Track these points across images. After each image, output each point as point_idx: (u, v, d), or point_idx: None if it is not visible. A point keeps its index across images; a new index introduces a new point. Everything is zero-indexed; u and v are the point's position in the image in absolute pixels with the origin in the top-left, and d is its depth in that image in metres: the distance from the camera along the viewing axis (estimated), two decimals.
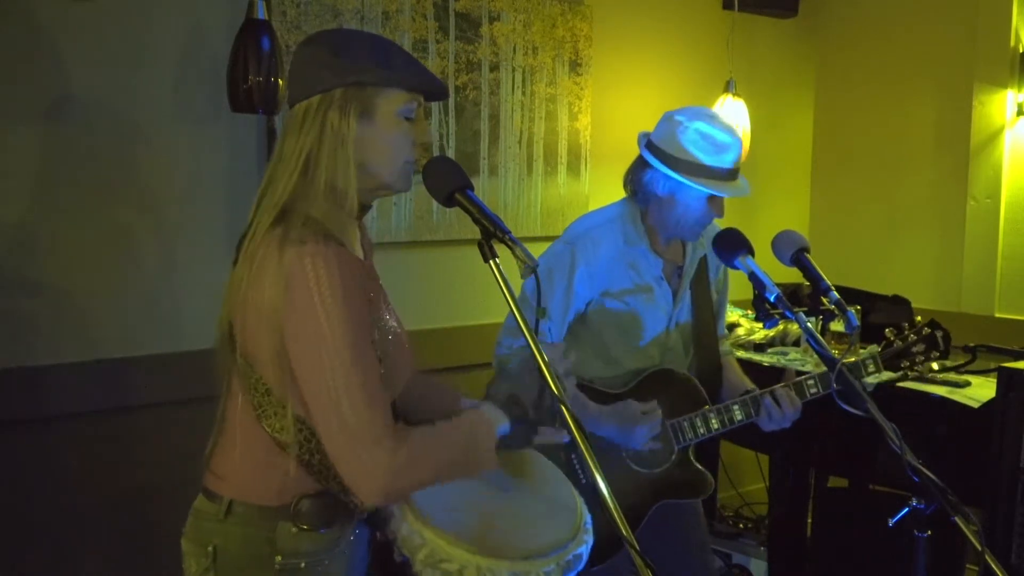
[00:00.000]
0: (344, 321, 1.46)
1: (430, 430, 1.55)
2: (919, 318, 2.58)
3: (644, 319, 2.45)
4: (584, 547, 1.62)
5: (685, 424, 2.41)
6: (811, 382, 2.42)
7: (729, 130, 2.35)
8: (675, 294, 2.48)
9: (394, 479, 1.46)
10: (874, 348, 3.20)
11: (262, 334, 1.50)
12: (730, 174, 2.35)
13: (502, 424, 1.59)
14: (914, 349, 2.49)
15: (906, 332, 2.52)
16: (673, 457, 2.42)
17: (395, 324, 1.66)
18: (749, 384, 2.51)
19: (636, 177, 2.42)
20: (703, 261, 2.53)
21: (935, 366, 2.55)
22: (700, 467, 2.47)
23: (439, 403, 1.78)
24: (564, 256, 2.40)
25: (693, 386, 2.46)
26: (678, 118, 2.35)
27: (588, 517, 1.68)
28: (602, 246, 2.40)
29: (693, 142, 2.31)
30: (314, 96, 1.55)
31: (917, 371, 2.56)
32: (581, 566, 1.60)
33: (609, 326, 2.44)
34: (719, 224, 2.42)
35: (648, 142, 2.40)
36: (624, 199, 2.50)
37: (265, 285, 1.48)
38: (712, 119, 2.35)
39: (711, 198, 2.35)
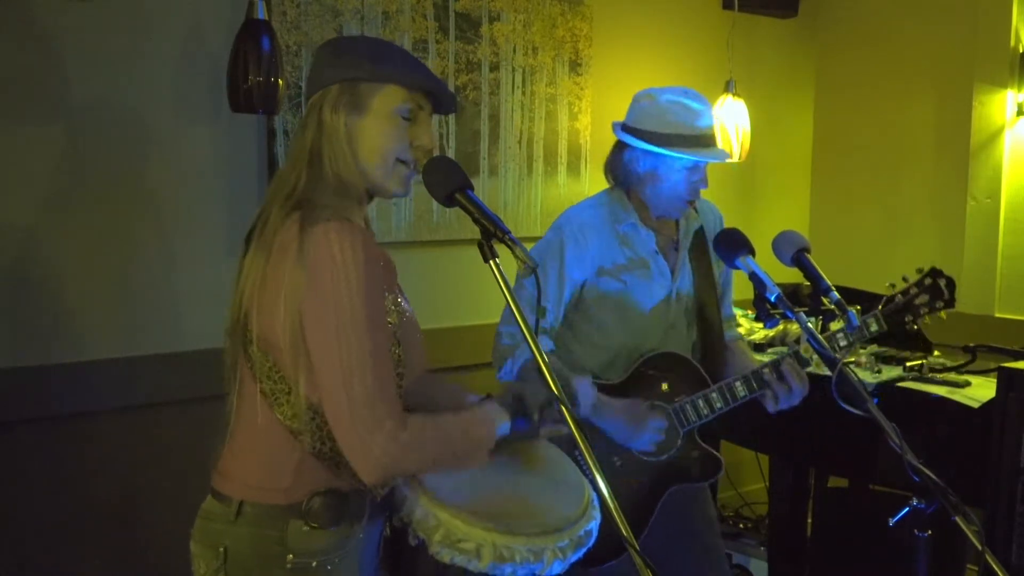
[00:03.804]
0: (364, 296, 1.49)
1: (432, 418, 1.57)
2: (921, 267, 2.47)
3: (642, 295, 2.44)
4: (593, 523, 1.63)
5: (687, 406, 2.39)
6: (806, 346, 2.35)
7: (698, 97, 2.37)
8: (673, 269, 2.47)
9: (392, 460, 1.49)
10: (873, 348, 3.21)
11: (280, 315, 1.51)
12: (707, 139, 2.36)
13: (503, 423, 1.61)
14: (917, 301, 2.40)
15: (908, 285, 2.42)
16: (680, 442, 2.40)
17: (409, 309, 1.68)
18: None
19: (615, 163, 2.45)
20: (701, 233, 2.52)
21: (943, 315, 2.42)
22: (708, 448, 2.45)
23: (446, 401, 1.79)
24: (553, 242, 2.42)
25: (693, 367, 2.44)
26: (647, 94, 2.39)
27: (595, 494, 1.69)
28: (588, 226, 2.42)
29: (666, 112, 2.33)
30: (316, 94, 1.60)
31: (923, 324, 2.42)
32: (591, 542, 1.62)
33: (607, 306, 2.43)
34: (705, 196, 2.45)
35: (623, 126, 2.43)
36: (606, 190, 2.52)
37: (286, 265, 1.50)
38: (681, 91, 2.38)
39: (693, 168, 2.35)
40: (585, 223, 2.42)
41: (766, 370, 2.36)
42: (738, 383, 2.39)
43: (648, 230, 2.44)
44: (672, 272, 2.47)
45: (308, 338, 1.50)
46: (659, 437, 2.35)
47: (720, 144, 2.40)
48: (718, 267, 2.57)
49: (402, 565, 1.67)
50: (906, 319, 2.41)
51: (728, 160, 2.42)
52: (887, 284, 2.46)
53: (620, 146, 2.44)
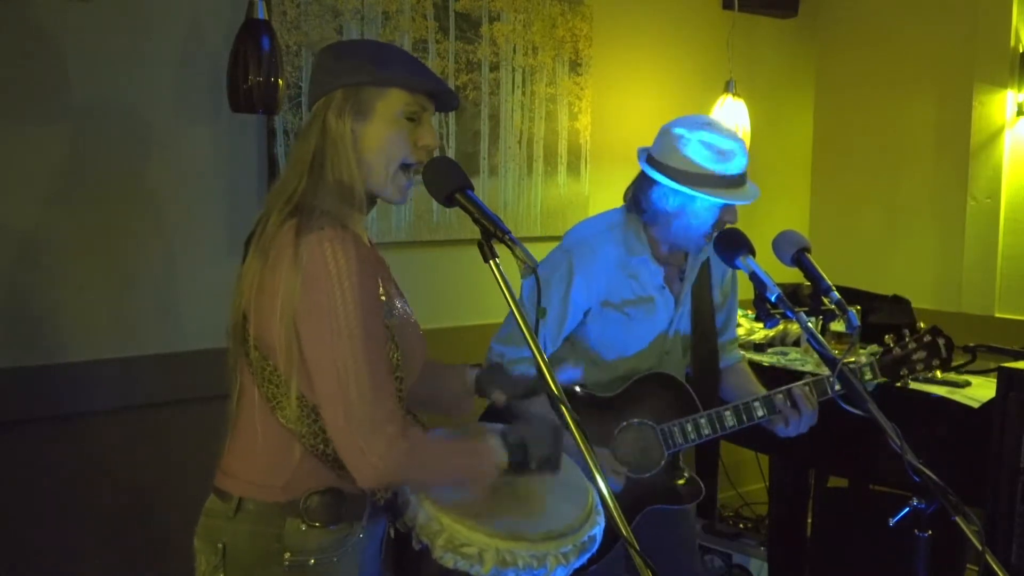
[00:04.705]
0: (359, 304, 1.49)
1: (439, 438, 1.61)
2: (921, 324, 2.51)
3: (643, 328, 2.42)
4: (597, 528, 1.64)
5: (675, 429, 2.36)
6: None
7: (731, 135, 2.29)
8: (677, 299, 2.45)
9: (390, 466, 1.49)
10: (874, 348, 3.21)
11: (276, 320, 1.52)
12: (739, 180, 2.28)
13: (502, 463, 1.61)
14: (914, 357, 2.43)
15: (906, 339, 2.46)
16: (663, 463, 2.37)
17: (408, 311, 1.69)
18: (762, 391, 2.45)
19: (642, 195, 2.36)
20: (707, 263, 2.49)
21: (939, 374, 2.49)
22: (690, 474, 2.43)
23: (450, 393, 1.84)
24: (561, 265, 2.36)
25: (685, 391, 2.42)
26: (677, 131, 2.29)
27: (599, 498, 1.69)
28: (599, 255, 2.36)
29: (698, 153, 2.24)
30: (320, 100, 1.60)
31: (917, 379, 2.47)
32: (595, 547, 1.62)
33: (607, 335, 2.41)
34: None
35: (649, 157, 2.34)
36: (623, 208, 2.45)
37: (282, 270, 1.51)
38: (712, 127, 2.29)
39: (726, 208, 2.28)
40: (596, 251, 2.36)
41: (756, 403, 2.36)
42: (728, 413, 2.37)
43: (658, 265, 2.40)
44: (676, 303, 2.44)
45: (304, 346, 1.51)
46: (616, 489, 2.26)
47: (749, 185, 2.32)
48: (721, 295, 2.56)
49: (406, 567, 1.67)
50: (902, 372, 2.44)
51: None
52: (886, 336, 2.48)
53: (647, 179, 2.34)
